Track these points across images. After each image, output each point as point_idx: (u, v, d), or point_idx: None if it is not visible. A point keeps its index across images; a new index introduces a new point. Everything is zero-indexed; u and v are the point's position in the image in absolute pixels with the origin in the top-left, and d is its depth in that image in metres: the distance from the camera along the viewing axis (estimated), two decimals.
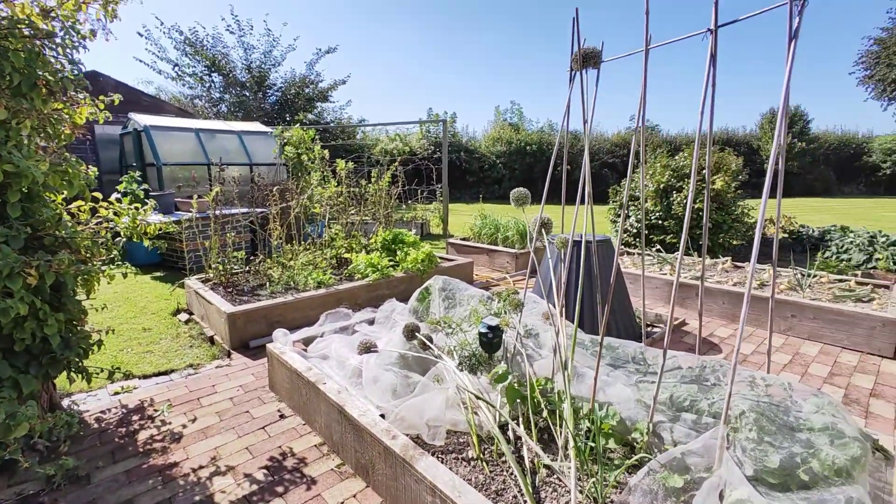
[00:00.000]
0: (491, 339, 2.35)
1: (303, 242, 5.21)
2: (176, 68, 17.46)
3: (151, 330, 3.91)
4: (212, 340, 3.68)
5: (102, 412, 2.65)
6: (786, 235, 7.09)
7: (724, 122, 29.55)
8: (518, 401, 2.06)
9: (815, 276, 4.55)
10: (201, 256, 4.65)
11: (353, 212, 6.00)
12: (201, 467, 2.17)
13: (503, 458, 1.86)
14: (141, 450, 2.29)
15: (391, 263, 4.85)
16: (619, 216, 7.42)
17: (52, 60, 2.09)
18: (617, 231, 7.33)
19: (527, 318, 2.70)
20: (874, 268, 5.49)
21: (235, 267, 4.56)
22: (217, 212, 4.61)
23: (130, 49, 32.99)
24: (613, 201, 7.68)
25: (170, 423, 2.53)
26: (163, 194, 6.53)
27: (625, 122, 34.46)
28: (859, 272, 5.05)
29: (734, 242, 6.22)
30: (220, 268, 4.38)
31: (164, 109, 11.40)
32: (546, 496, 1.67)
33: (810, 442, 1.61)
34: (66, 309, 2.19)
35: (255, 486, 2.04)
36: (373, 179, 6.62)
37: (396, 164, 7.15)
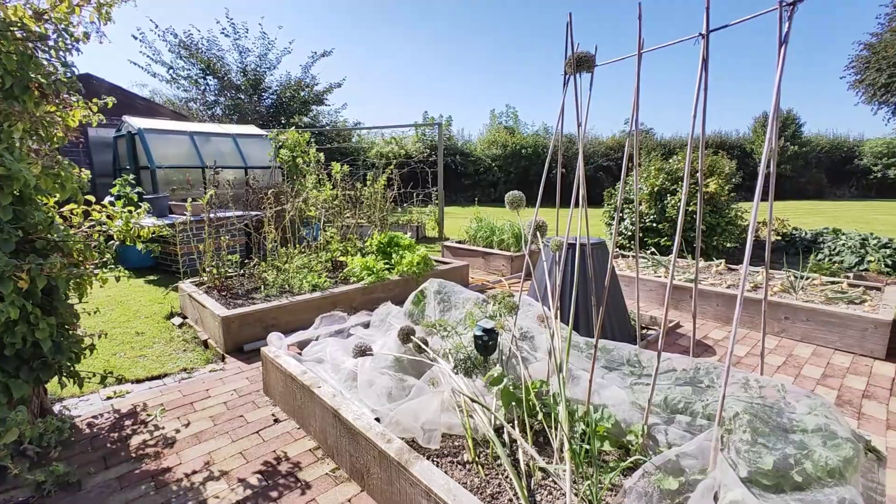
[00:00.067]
0: (486, 342, 2.34)
1: (298, 246, 5.20)
2: (170, 71, 17.43)
3: (145, 334, 3.88)
4: (206, 344, 3.66)
5: (94, 417, 2.62)
6: (779, 238, 7.14)
7: (718, 126, 29.83)
8: (513, 404, 2.06)
9: (807, 278, 4.58)
10: (195, 260, 4.64)
11: (348, 215, 6.00)
12: (195, 472, 2.15)
13: (499, 462, 1.86)
14: (133, 455, 2.27)
15: (386, 267, 4.85)
16: (613, 219, 7.45)
17: (45, 63, 2.08)
18: (612, 234, 7.37)
19: (522, 320, 2.70)
20: (866, 270, 5.54)
21: (230, 270, 4.54)
22: (211, 215, 4.59)
23: (125, 52, 32.97)
24: (608, 204, 7.71)
25: (163, 428, 2.51)
26: (157, 197, 6.49)
27: (619, 126, 34.71)
28: (851, 274, 5.10)
29: (728, 245, 6.26)
30: (215, 271, 4.36)
31: (158, 112, 11.36)
32: (542, 499, 1.67)
33: (803, 443, 1.62)
34: (58, 313, 2.18)
35: (249, 491, 2.03)
36: (368, 182, 6.62)
37: (392, 167, 7.16)
